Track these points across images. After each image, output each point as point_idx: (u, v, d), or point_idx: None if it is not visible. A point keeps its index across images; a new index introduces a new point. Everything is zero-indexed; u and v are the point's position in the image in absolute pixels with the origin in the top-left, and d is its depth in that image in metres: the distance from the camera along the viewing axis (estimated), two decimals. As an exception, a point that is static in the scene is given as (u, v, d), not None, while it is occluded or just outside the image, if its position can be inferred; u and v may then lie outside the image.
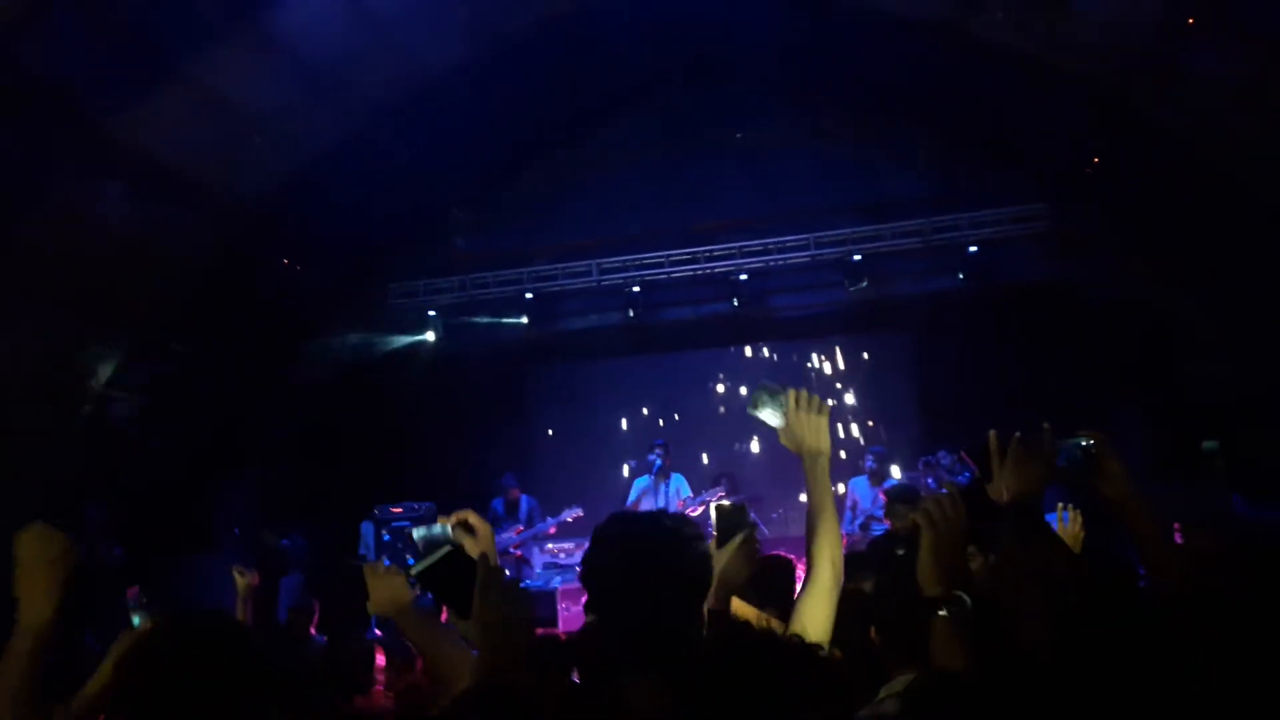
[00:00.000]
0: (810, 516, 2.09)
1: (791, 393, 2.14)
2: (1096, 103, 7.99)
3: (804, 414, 2.12)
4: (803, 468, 2.14)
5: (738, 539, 2.12)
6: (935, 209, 9.58)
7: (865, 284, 9.73)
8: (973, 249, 9.54)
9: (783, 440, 2.16)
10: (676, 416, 10.79)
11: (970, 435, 7.83)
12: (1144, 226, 8.72)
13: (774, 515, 9.73)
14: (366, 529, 9.36)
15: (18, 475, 7.76)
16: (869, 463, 8.70)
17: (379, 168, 9.07)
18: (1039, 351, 9.18)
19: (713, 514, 2.19)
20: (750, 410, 2.17)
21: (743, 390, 10.86)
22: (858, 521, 8.48)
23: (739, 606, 2.35)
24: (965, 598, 1.82)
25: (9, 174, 6.67)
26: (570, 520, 8.66)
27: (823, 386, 10.59)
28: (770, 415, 2.14)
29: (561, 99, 9.98)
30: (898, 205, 9.80)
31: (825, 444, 2.12)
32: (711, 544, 2.08)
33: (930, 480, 8.29)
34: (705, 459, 10.52)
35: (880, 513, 8.35)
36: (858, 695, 1.99)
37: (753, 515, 2.52)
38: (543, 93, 9.57)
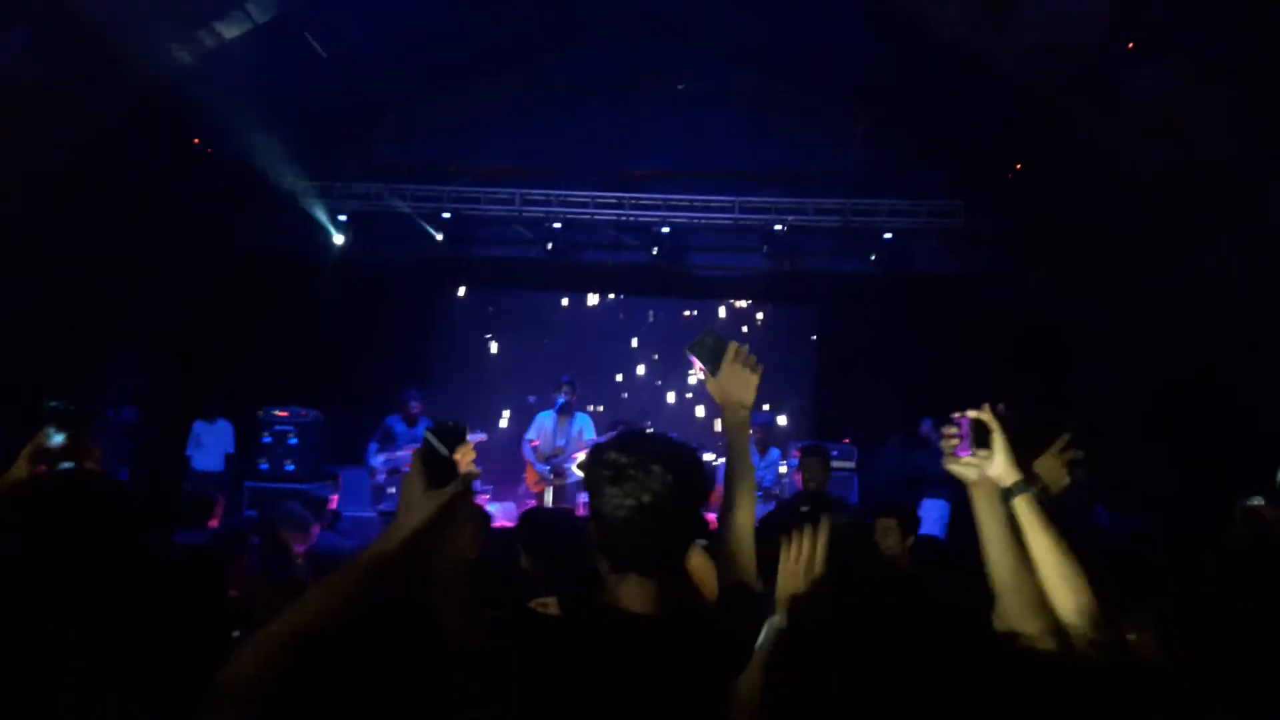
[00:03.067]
0: (729, 465, 2.17)
1: (733, 345, 2.21)
2: (1027, 109, 8.23)
3: (739, 368, 2.20)
4: (723, 419, 2.22)
5: (729, 354, 2.20)
6: (859, 191, 9.79)
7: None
8: (887, 235, 9.80)
9: (710, 389, 2.24)
10: (587, 358, 10.82)
11: (859, 413, 8.15)
12: (1052, 235, 9.09)
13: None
14: (222, 425, 9.14)
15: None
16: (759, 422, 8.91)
17: (306, 60, 8.68)
18: (936, 342, 9.54)
19: (695, 353, 2.24)
20: (689, 351, 2.22)
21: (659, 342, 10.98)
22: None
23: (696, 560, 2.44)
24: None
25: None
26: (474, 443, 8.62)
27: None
28: (708, 360, 2.21)
29: (505, 22, 9.71)
30: (823, 181, 9.99)
31: (750, 400, 2.20)
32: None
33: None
34: (616, 405, 10.60)
35: (767, 476, 8.62)
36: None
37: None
38: (487, 12, 9.29)
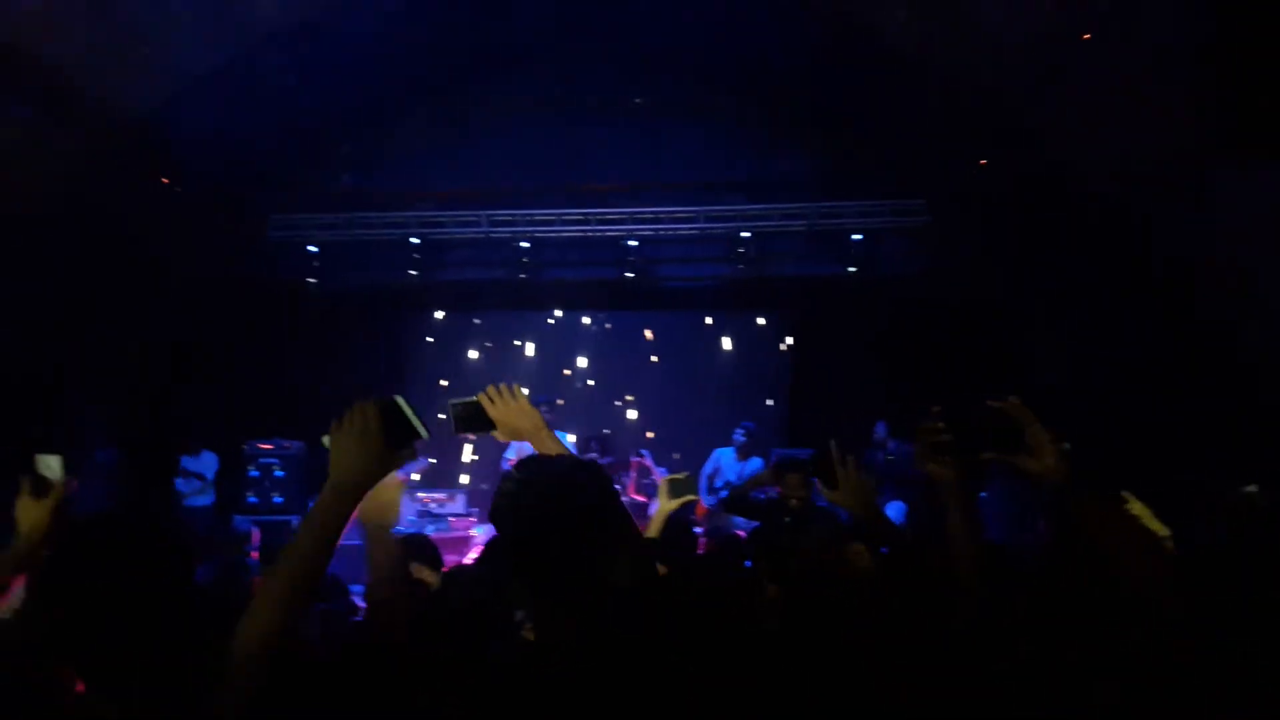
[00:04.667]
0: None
1: (481, 395, 2.20)
2: (981, 105, 8.38)
3: (504, 406, 2.19)
4: (536, 446, 2.18)
5: (485, 405, 2.22)
6: (822, 194, 9.91)
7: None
8: (856, 237, 9.91)
9: (501, 437, 2.21)
10: (563, 376, 10.86)
11: (835, 417, 8.19)
12: (1010, 232, 9.24)
13: (646, 480, 9.96)
14: (207, 458, 9.09)
15: None
16: (738, 436, 8.97)
17: (268, 94, 8.70)
18: (908, 341, 9.64)
19: (465, 429, 2.27)
20: (456, 432, 2.23)
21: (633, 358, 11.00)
22: (721, 493, 8.75)
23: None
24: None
25: None
26: (421, 470, 8.72)
27: (701, 359, 10.85)
28: (480, 426, 2.20)
29: (461, 44, 9.76)
30: (787, 187, 10.09)
31: (537, 420, 2.19)
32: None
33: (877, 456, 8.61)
34: (597, 422, 10.60)
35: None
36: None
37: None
38: (441, 36, 9.33)
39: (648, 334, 11.07)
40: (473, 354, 11.19)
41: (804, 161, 10.26)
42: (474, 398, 2.19)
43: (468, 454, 10.59)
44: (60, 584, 1.60)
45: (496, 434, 2.19)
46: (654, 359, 11.06)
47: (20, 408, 7.87)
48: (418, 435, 1.64)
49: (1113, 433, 7.64)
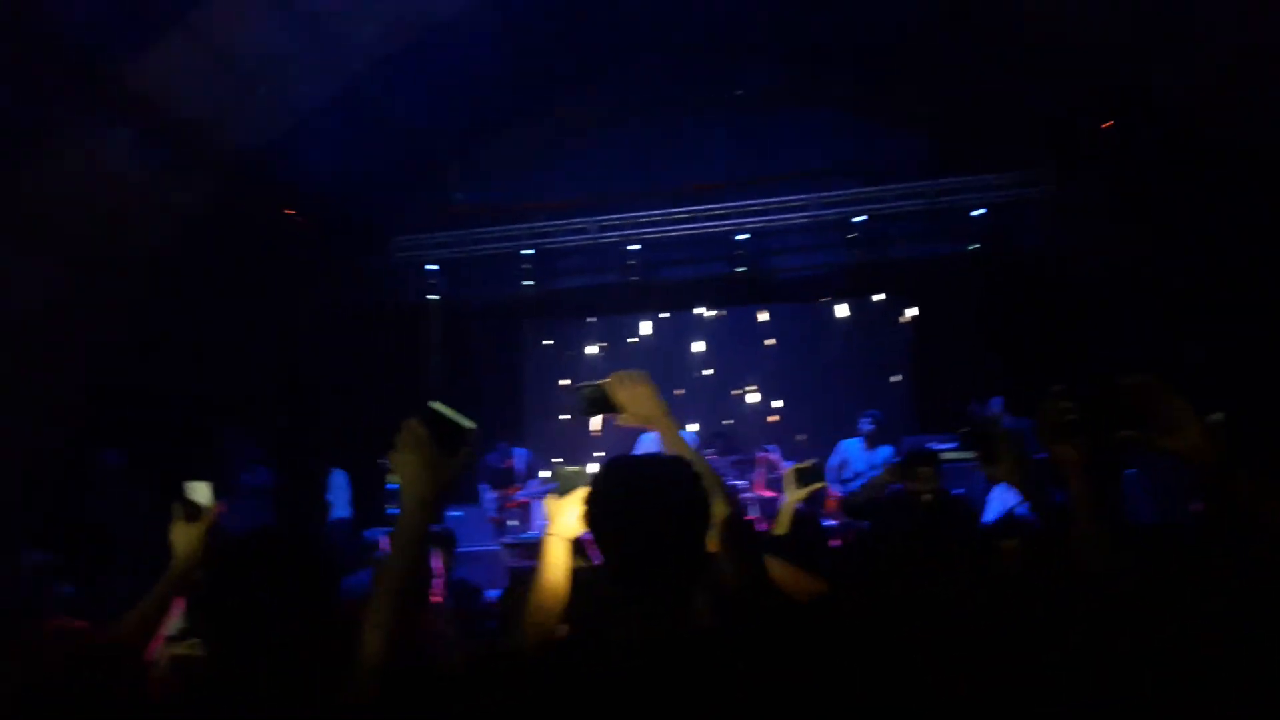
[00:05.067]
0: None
1: (605, 382, 2.21)
2: (1104, 66, 7.92)
3: (628, 391, 2.18)
4: (661, 435, 2.19)
5: (608, 390, 2.22)
6: (940, 171, 9.54)
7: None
8: (977, 212, 9.49)
9: (623, 423, 2.22)
10: (676, 375, 10.81)
11: (962, 402, 7.82)
12: (1144, 194, 8.69)
13: (772, 475, 9.80)
14: (338, 477, 9.44)
15: (21, 424, 7.82)
16: (865, 425, 8.71)
17: (378, 120, 9.01)
18: (1036, 319, 9.19)
19: (589, 413, 2.27)
20: (584, 414, 2.24)
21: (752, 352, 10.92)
22: (857, 482, 8.53)
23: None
24: None
25: (14, 119, 6.63)
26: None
27: (820, 348, 10.61)
28: (604, 409, 2.21)
29: (560, 54, 9.87)
30: (901, 166, 9.77)
31: (660, 408, 2.18)
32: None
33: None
34: (716, 418, 10.56)
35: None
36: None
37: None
38: (541, 47, 9.46)
39: (763, 316, 10.88)
40: (590, 350, 11.27)
41: (918, 139, 9.91)
42: (600, 382, 2.22)
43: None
44: (214, 603, 1.68)
45: (619, 419, 2.21)
46: (769, 342, 10.86)
47: (171, 438, 8.36)
48: (467, 430, 1.73)
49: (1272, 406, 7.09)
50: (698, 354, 10.96)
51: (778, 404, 10.73)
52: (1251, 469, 1.66)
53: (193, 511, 2.38)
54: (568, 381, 10.84)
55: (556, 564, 2.17)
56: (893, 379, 10.36)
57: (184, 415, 8.90)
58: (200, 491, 2.42)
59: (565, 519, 2.20)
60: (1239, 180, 7.69)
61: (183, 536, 2.35)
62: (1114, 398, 1.79)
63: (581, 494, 2.16)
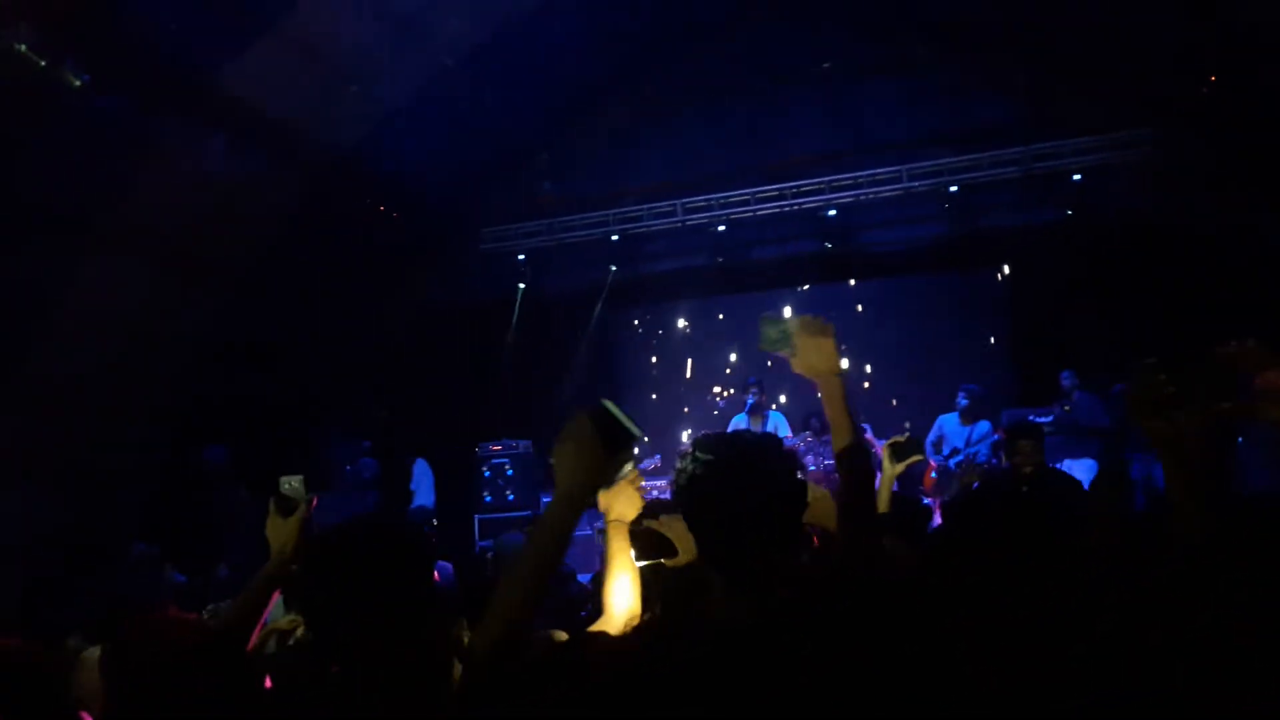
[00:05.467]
0: (834, 437, 2.08)
1: (793, 320, 2.12)
2: (1201, 19, 7.51)
3: (810, 338, 2.09)
4: (821, 390, 2.11)
5: (794, 329, 2.13)
6: (1030, 137, 9.20)
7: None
8: (1076, 177, 9.13)
9: (796, 369, 2.13)
10: (771, 357, 10.75)
11: (1059, 369, 7.49)
12: (1252, 153, 8.23)
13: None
14: (420, 466, 9.60)
15: (125, 423, 8.22)
16: (961, 400, 8.53)
17: (463, 114, 9.14)
18: (1140, 288, 8.82)
19: (767, 347, 2.19)
20: (762, 347, 2.15)
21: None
22: (954, 460, 8.37)
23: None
24: None
25: (113, 127, 6.93)
26: (650, 469, 8.88)
27: (914, 322, 10.37)
28: (780, 347, 2.12)
29: (640, 36, 9.86)
30: (991, 134, 9.46)
31: (834, 364, 2.09)
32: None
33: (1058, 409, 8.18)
34: (810, 399, 10.42)
35: (981, 451, 8.24)
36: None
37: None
38: (621, 30, 9.46)
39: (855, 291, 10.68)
40: (681, 322, 11.25)
41: (1010, 104, 9.57)
42: (787, 320, 2.14)
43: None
44: (311, 594, 1.72)
45: (793, 363, 2.13)
46: (859, 312, 10.65)
47: (272, 435, 8.68)
48: (632, 436, 1.65)
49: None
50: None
51: (871, 380, 10.56)
52: None
53: (286, 505, 2.42)
54: (655, 359, 10.91)
55: (623, 550, 2.15)
56: (989, 347, 10.07)
57: (285, 412, 9.23)
58: (294, 486, 2.45)
59: (620, 505, 2.18)
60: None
61: (277, 530, 2.39)
62: (1213, 368, 1.72)
63: (631, 478, 2.16)
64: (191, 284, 8.50)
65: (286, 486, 2.46)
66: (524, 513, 9.35)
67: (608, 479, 1.69)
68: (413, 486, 9.58)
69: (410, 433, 10.13)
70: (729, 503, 1.65)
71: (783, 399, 10.09)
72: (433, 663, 1.65)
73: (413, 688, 1.63)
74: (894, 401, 10.05)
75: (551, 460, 1.66)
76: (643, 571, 2.23)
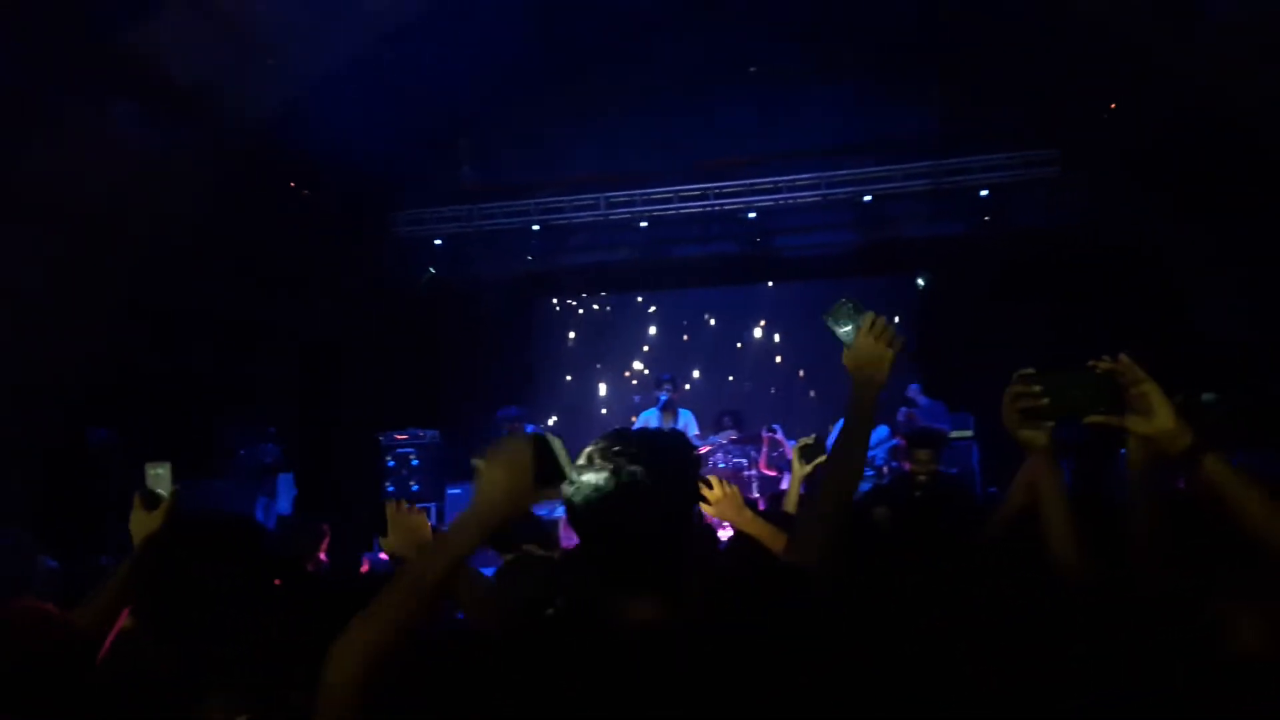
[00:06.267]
0: (836, 441, 2.06)
1: (870, 316, 2.07)
2: (1110, 45, 7.86)
3: (876, 341, 2.05)
4: (852, 391, 2.07)
5: (864, 325, 2.09)
6: (947, 151, 9.49)
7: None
8: (984, 193, 9.46)
9: (845, 358, 2.08)
10: (684, 353, 10.82)
11: (971, 383, 7.78)
12: (1154, 171, 8.65)
13: (775, 454, 9.81)
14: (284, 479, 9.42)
15: (19, 396, 7.84)
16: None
17: (386, 93, 8.94)
18: (1046, 298, 9.17)
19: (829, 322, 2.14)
20: (825, 318, 2.09)
21: (758, 331, 10.94)
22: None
23: (751, 524, 2.37)
24: None
25: (15, 92, 6.59)
26: None
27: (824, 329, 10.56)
28: (844, 331, 2.08)
29: (572, 29, 9.78)
30: (909, 146, 9.71)
31: (883, 376, 2.05)
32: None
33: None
34: (721, 396, 10.56)
35: (878, 455, 8.44)
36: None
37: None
38: (552, 22, 9.38)
39: (770, 293, 10.82)
40: (600, 315, 11.21)
41: (927, 118, 9.83)
42: (865, 313, 2.07)
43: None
44: (156, 586, 1.63)
45: (845, 353, 2.08)
46: (763, 324, 10.84)
47: (169, 415, 8.37)
48: (563, 477, 1.57)
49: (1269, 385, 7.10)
50: (704, 330, 10.96)
51: (788, 380, 10.75)
52: (1227, 453, 1.64)
53: (150, 499, 2.27)
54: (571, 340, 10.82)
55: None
56: (899, 354, 10.32)
57: (185, 394, 8.91)
58: (158, 474, 2.31)
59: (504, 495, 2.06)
60: (1242, 161, 7.67)
61: (140, 524, 2.24)
62: (1091, 380, 1.78)
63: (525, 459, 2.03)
64: (94, 257, 8.13)
65: (152, 474, 2.31)
66: (429, 504, 9.19)
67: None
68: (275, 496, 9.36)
69: (322, 417, 9.91)
70: (618, 503, 1.58)
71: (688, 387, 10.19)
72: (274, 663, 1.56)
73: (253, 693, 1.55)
74: (813, 394, 10.26)
75: (477, 468, 1.56)
76: None
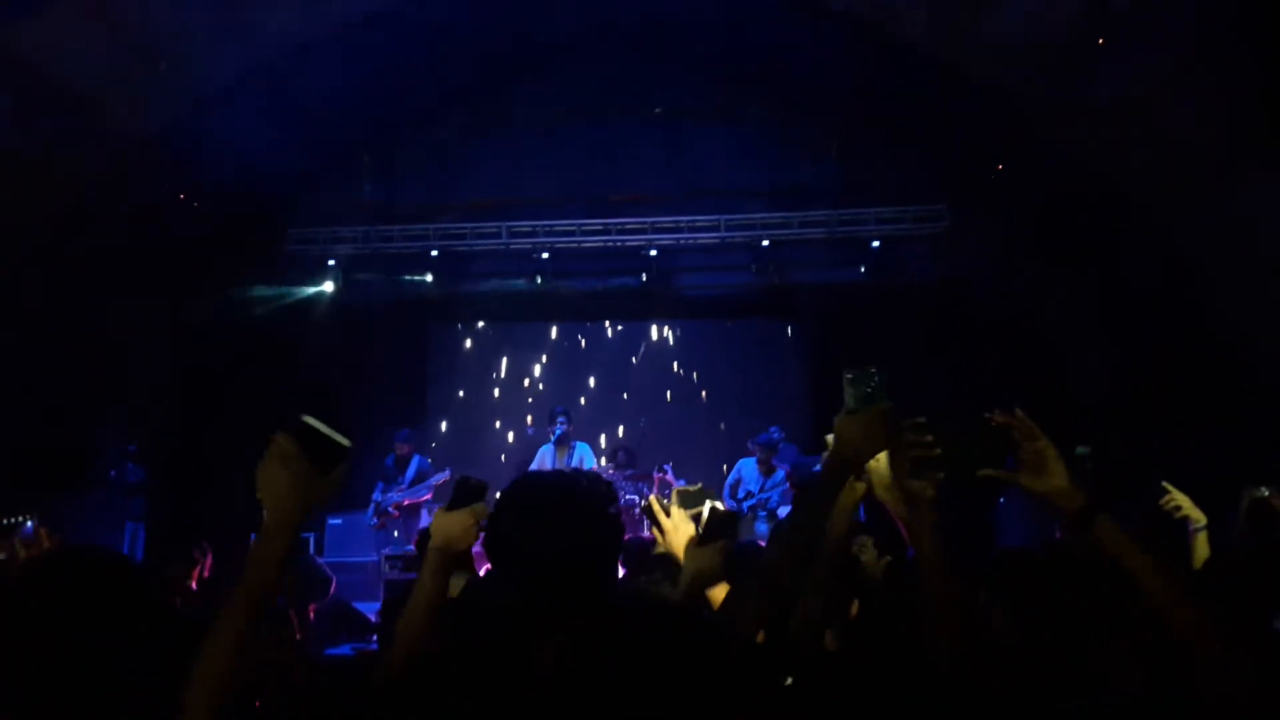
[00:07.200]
0: (792, 507, 2.03)
1: (888, 406, 1.85)
2: (1000, 110, 8.30)
3: (878, 427, 1.84)
4: (826, 460, 1.89)
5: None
6: (842, 201, 9.82)
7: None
8: (875, 244, 9.82)
9: (839, 424, 1.86)
10: (580, 385, 10.82)
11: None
12: (1035, 231, 9.14)
13: (666, 494, 9.85)
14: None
15: None
16: (754, 448, 8.90)
17: (284, 107, 8.72)
18: (930, 349, 9.52)
19: (705, 513, 2.22)
20: (845, 374, 1.86)
21: (654, 366, 11.02)
22: (747, 503, 8.68)
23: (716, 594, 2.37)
24: None
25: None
26: (437, 485, 8.69)
27: (722, 367, 10.75)
28: (854, 396, 1.85)
29: (479, 53, 9.77)
30: (807, 194, 10.02)
31: (861, 460, 1.90)
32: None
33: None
34: (616, 432, 10.62)
35: (773, 496, 8.60)
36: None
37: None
38: (460, 45, 9.35)
39: (667, 332, 10.94)
40: (496, 343, 11.12)
41: (824, 168, 10.16)
42: (885, 400, 1.85)
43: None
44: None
45: (841, 415, 1.87)
46: (657, 363, 10.97)
47: (41, 426, 7.92)
48: (342, 447, 1.57)
49: (1144, 436, 7.52)
50: (598, 366, 10.99)
51: (680, 420, 10.83)
52: (1114, 512, 1.64)
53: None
54: (462, 394, 10.71)
55: (433, 578, 2.06)
56: (791, 395, 10.56)
57: (60, 408, 8.44)
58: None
59: (455, 533, 2.06)
60: (1121, 224, 8.20)
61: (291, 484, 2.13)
62: (981, 434, 1.74)
63: (477, 511, 2.08)
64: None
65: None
66: (308, 534, 8.88)
67: (325, 496, 1.58)
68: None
69: (196, 438, 9.52)
70: (547, 547, 1.60)
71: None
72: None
73: None
74: (720, 425, 10.38)
75: (257, 493, 1.53)
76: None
